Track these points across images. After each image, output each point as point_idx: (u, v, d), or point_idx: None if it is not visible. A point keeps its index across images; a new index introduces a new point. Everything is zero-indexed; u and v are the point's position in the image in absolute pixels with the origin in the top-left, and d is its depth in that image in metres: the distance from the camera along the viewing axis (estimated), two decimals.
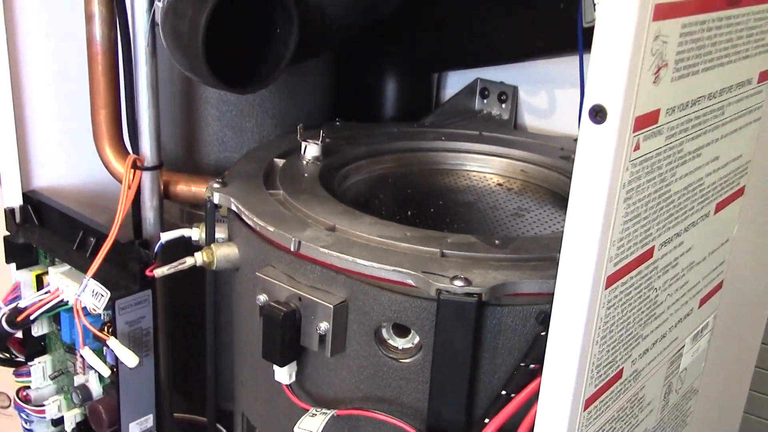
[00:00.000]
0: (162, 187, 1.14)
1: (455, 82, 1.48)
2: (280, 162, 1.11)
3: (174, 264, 0.96)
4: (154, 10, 1.02)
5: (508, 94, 1.42)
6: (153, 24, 1.03)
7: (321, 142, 1.12)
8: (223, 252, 0.96)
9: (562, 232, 0.93)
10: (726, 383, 1.10)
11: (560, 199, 1.15)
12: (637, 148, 0.62)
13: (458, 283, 0.77)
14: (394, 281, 0.81)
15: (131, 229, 1.16)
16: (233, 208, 0.96)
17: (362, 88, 1.41)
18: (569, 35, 1.14)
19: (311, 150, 1.11)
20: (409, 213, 1.06)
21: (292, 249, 0.86)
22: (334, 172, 1.13)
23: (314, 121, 1.29)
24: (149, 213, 1.14)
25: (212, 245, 0.97)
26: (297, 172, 1.07)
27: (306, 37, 1.02)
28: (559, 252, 0.85)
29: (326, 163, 1.12)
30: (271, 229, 0.88)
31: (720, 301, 0.93)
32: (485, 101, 1.45)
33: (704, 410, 1.01)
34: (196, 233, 1.04)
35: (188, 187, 1.17)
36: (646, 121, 0.62)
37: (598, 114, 0.58)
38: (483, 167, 1.24)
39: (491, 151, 1.25)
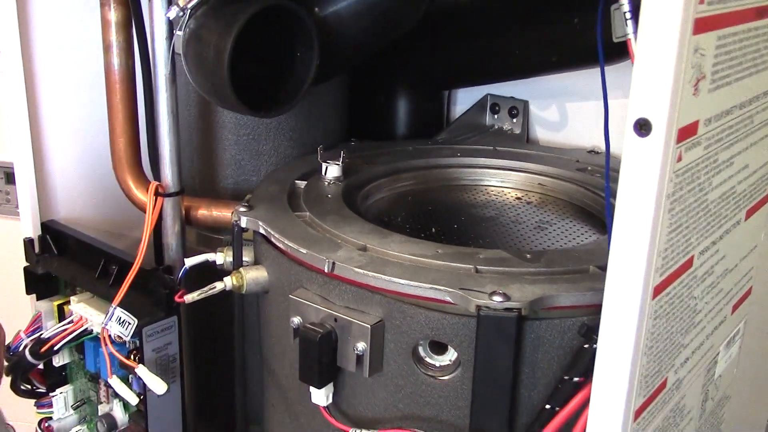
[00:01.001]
0: (183, 212, 1.14)
1: (465, 98, 1.49)
2: (301, 184, 1.11)
3: (205, 289, 0.96)
4: (174, 39, 1.02)
5: (519, 109, 1.43)
6: (173, 53, 1.03)
7: (342, 162, 1.12)
8: (253, 275, 0.96)
9: (591, 244, 0.95)
10: (754, 388, 1.11)
11: (580, 211, 1.15)
12: (679, 159, 0.62)
13: (497, 298, 0.77)
14: (431, 299, 0.81)
15: (152, 255, 1.16)
16: (261, 231, 0.96)
17: (375, 107, 1.42)
18: (583, 50, 1.16)
19: (332, 171, 1.12)
20: (433, 230, 1.07)
21: (326, 270, 0.86)
22: (356, 191, 1.13)
23: (330, 141, 1.30)
24: (172, 239, 1.14)
25: (241, 269, 0.97)
26: (320, 193, 1.08)
27: (325, 59, 1.03)
28: (593, 264, 0.86)
29: (347, 184, 1.12)
30: (304, 251, 0.88)
31: (750, 307, 0.94)
32: (496, 116, 1.46)
33: (735, 416, 1.02)
34: (220, 257, 1.04)
35: (209, 212, 1.17)
36: (687, 133, 0.62)
37: (644, 127, 0.59)
38: (501, 182, 1.25)
39: (507, 165, 1.26)
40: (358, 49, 1.11)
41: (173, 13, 0.99)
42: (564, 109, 1.40)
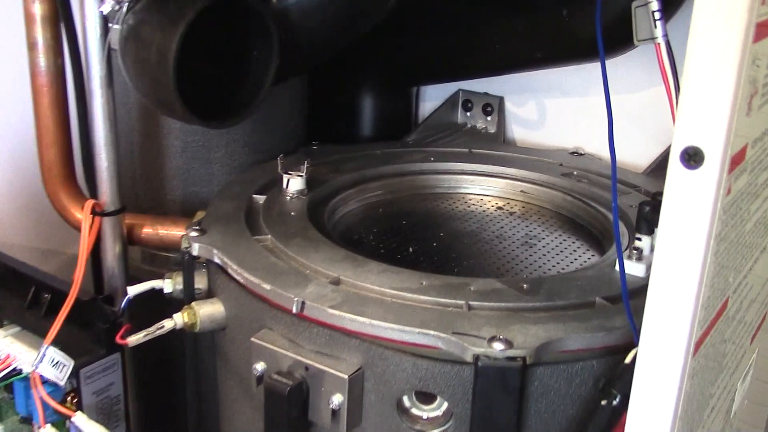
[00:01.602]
0: (125, 232, 1.00)
1: (435, 94, 1.37)
2: (260, 199, 0.98)
3: (150, 330, 0.82)
4: (109, 35, 0.88)
5: (493, 106, 1.32)
6: (109, 49, 0.89)
7: (305, 173, 1.00)
8: (207, 311, 0.83)
9: (591, 268, 0.84)
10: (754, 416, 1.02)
11: (569, 223, 1.05)
12: (728, 191, 0.52)
13: (498, 345, 0.66)
14: (419, 344, 0.70)
15: (91, 281, 1.02)
16: (217, 260, 0.83)
17: (338, 106, 1.29)
18: (572, 44, 1.05)
19: (294, 184, 0.99)
20: (411, 249, 0.95)
21: (294, 310, 0.73)
22: (322, 206, 1.01)
23: (289, 146, 1.17)
24: (112, 263, 1.00)
25: (193, 304, 0.84)
26: (282, 211, 0.95)
27: (286, 58, 0.90)
28: (599, 294, 0.76)
29: (312, 197, 1.00)
30: (267, 287, 0.76)
31: (764, 335, 0.85)
32: (469, 114, 1.35)
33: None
34: (168, 285, 0.90)
35: (154, 231, 1.03)
36: (737, 160, 0.52)
37: (693, 158, 0.48)
38: (479, 189, 1.14)
39: (485, 170, 1.15)
40: (323, 45, 0.99)
41: (107, 6, 0.85)
42: (543, 105, 1.29)
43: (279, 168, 1.00)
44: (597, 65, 1.18)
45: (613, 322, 0.71)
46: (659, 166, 1.13)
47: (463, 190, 1.14)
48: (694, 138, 0.47)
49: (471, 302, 0.74)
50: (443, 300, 0.74)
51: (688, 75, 0.47)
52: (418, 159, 1.16)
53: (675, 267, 0.51)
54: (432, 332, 0.68)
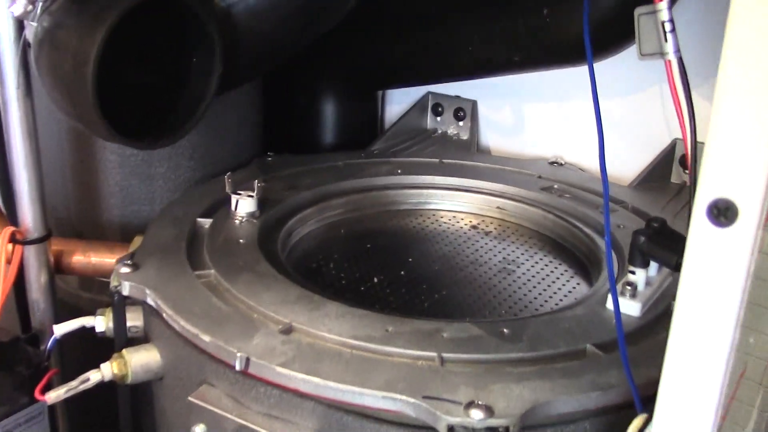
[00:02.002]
0: (52, 260, 0.89)
1: (402, 98, 1.27)
2: (205, 223, 0.87)
3: (72, 385, 0.71)
4: (24, 35, 0.76)
5: (465, 111, 1.22)
6: (25, 50, 0.77)
7: (256, 194, 0.89)
8: (140, 360, 0.72)
9: (578, 305, 0.75)
10: None
11: (550, 244, 0.95)
12: (760, 247, 0.42)
13: (477, 414, 0.56)
14: (384, 409, 0.59)
15: (15, 317, 0.90)
16: (150, 302, 0.72)
17: (295, 112, 1.18)
18: (554, 47, 0.95)
19: (244, 205, 0.88)
20: (375, 280, 0.85)
21: (237, 367, 0.63)
22: (275, 229, 0.90)
23: (241, 157, 1.06)
24: (38, 296, 0.89)
25: (125, 352, 0.73)
26: (230, 238, 0.84)
27: (232, 65, 0.79)
28: (590, 340, 0.66)
29: (264, 220, 0.89)
30: (207, 338, 0.65)
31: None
32: (439, 119, 1.24)
33: None
34: (101, 323, 0.79)
35: (86, 258, 0.92)
36: None
37: (724, 213, 0.38)
38: (451, 205, 1.04)
39: (458, 184, 1.05)
40: (275, 49, 0.87)
41: (19, 7, 0.73)
42: (519, 110, 1.19)
43: (227, 187, 0.89)
44: (578, 68, 1.10)
45: (608, 377, 0.62)
46: (647, 178, 1.04)
47: (433, 206, 1.04)
48: (726, 190, 0.38)
49: (444, 354, 0.64)
50: (412, 352, 0.64)
51: (719, 112, 0.37)
52: (384, 172, 1.06)
53: (700, 335, 0.41)
54: (399, 396, 0.58)
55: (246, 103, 1.06)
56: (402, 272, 0.87)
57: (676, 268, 0.67)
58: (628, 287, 0.71)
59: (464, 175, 1.06)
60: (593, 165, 1.14)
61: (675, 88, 0.45)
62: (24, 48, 0.77)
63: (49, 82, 0.71)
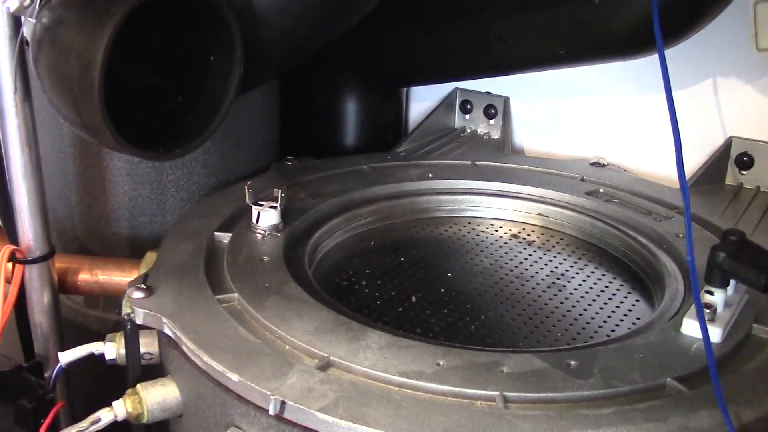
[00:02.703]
0: (56, 280, 0.81)
1: (427, 94, 1.18)
2: (224, 238, 0.79)
3: (83, 426, 0.63)
4: (22, 34, 0.68)
5: (497, 108, 1.14)
6: (22, 50, 0.69)
7: (280, 204, 0.81)
8: (157, 397, 0.65)
9: (649, 329, 0.66)
10: None
11: (600, 254, 0.87)
12: None
13: None
14: None
15: (17, 343, 0.83)
16: (168, 332, 0.64)
17: (315, 112, 1.09)
18: (605, 39, 0.86)
19: (267, 218, 0.80)
20: (413, 299, 0.77)
21: (271, 412, 0.55)
22: (301, 243, 0.82)
23: (259, 163, 0.98)
24: (41, 320, 0.81)
25: (139, 387, 0.65)
26: (252, 254, 0.76)
27: (252, 63, 0.71)
28: (670, 373, 0.58)
29: (288, 233, 0.81)
30: (235, 378, 0.57)
31: None
32: (468, 117, 1.16)
33: None
34: (111, 350, 0.72)
35: (93, 276, 0.84)
36: None
37: None
38: (488, 212, 0.96)
39: (494, 188, 0.97)
40: (298, 45, 0.79)
41: (15, 2, 0.64)
42: (555, 107, 1.11)
43: (247, 198, 0.81)
44: (617, 62, 1.01)
45: (698, 419, 0.54)
46: (700, 180, 0.95)
47: (469, 213, 0.96)
48: None
49: (507, 393, 0.56)
50: (470, 391, 0.56)
51: None
52: (414, 176, 0.98)
53: None
54: None
55: (262, 104, 0.98)
56: (442, 289, 0.79)
57: (765, 289, 0.59)
58: (707, 309, 0.63)
59: (500, 178, 0.98)
60: (636, 165, 1.06)
61: None
62: (21, 47, 0.69)
63: (50, 85, 0.63)
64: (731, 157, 0.97)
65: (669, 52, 0.87)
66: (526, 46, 0.89)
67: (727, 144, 0.97)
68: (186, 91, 0.71)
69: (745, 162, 0.96)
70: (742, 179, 0.97)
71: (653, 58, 0.88)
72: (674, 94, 1.00)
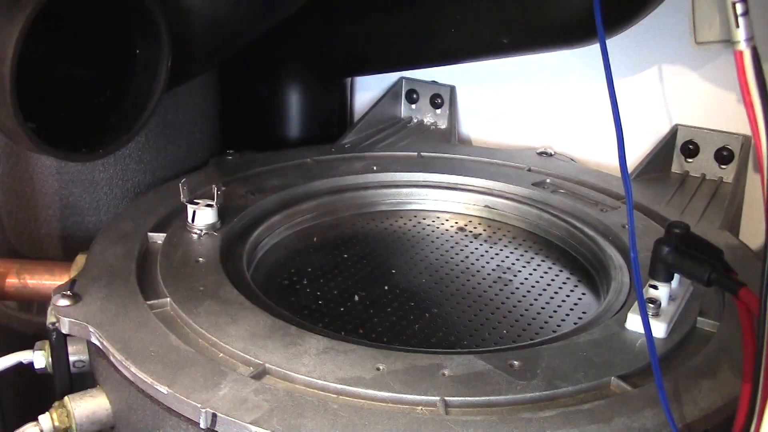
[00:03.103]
0: None
1: (372, 84, 1.16)
2: (158, 238, 0.76)
3: None
4: None
5: (443, 97, 1.12)
6: None
7: (216, 202, 0.78)
8: (86, 409, 0.62)
9: (593, 326, 0.64)
10: None
11: (547, 247, 0.86)
12: None
13: None
14: None
15: None
16: (95, 341, 0.61)
17: (256, 104, 1.06)
18: (549, 28, 0.84)
19: (203, 216, 0.77)
20: (356, 298, 0.75)
21: (202, 425, 0.52)
22: (240, 243, 0.79)
23: (197, 158, 0.95)
24: None
25: (67, 400, 0.61)
26: (187, 256, 0.73)
27: (183, 55, 0.67)
28: (613, 372, 0.57)
29: (226, 232, 0.78)
30: (164, 390, 0.54)
31: None
32: (414, 107, 1.14)
33: None
34: (40, 359, 0.68)
35: (21, 281, 0.80)
36: None
37: None
38: (434, 204, 0.94)
39: (440, 181, 0.95)
40: (232, 36, 0.76)
41: None
42: (502, 96, 1.09)
43: (182, 196, 0.77)
44: (564, 50, 1.00)
45: (642, 418, 0.53)
46: (647, 169, 0.95)
47: (414, 206, 0.94)
48: None
49: (448, 398, 0.54)
50: (410, 397, 0.54)
51: None
52: (359, 169, 0.95)
53: None
54: None
55: (200, 96, 0.95)
56: (386, 287, 0.77)
57: (709, 283, 0.58)
58: (651, 304, 0.62)
59: (447, 170, 0.96)
60: (584, 154, 1.05)
61: (747, 86, 0.35)
62: None
63: None
64: (677, 145, 0.96)
65: (615, 40, 0.86)
66: (471, 35, 0.87)
67: (673, 132, 0.96)
68: (113, 87, 0.67)
69: (691, 150, 0.96)
70: (687, 167, 0.96)
71: (597, 48, 0.88)
72: (621, 81, 1.00)
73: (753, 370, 0.52)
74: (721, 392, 0.56)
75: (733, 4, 0.36)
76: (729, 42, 0.36)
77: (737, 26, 0.36)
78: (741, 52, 0.36)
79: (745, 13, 0.36)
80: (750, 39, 0.35)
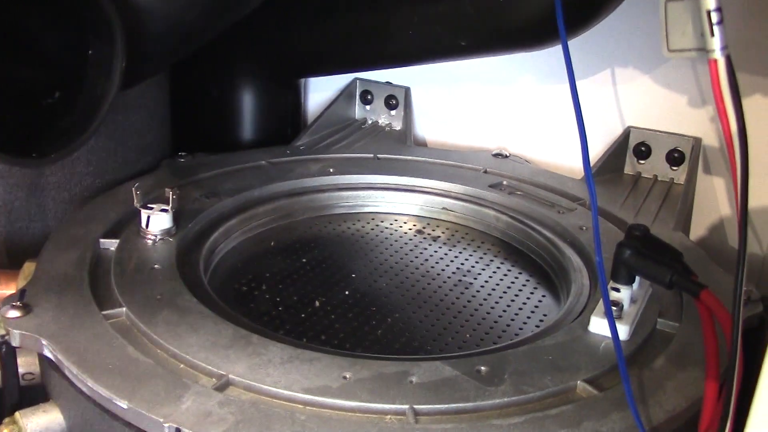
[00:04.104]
0: None
1: (326, 85, 1.14)
2: (111, 245, 0.73)
3: None
4: None
5: (398, 98, 1.11)
6: None
7: (171, 207, 0.75)
8: (38, 425, 0.59)
9: (556, 330, 0.64)
10: None
11: (506, 249, 0.86)
12: None
13: None
14: None
15: None
16: (48, 354, 0.58)
17: (209, 105, 1.04)
18: (506, 30, 0.84)
19: (157, 222, 0.75)
20: (317, 303, 0.73)
21: None
22: (196, 248, 0.77)
23: (148, 160, 0.92)
24: None
25: (18, 416, 0.59)
26: (142, 263, 0.70)
27: (136, 56, 0.65)
28: (579, 376, 0.57)
29: (182, 237, 0.76)
30: (124, 405, 0.52)
31: None
32: (368, 108, 1.13)
33: None
34: None
35: None
36: None
37: None
38: (392, 207, 0.93)
39: (397, 183, 0.94)
40: (187, 35, 0.74)
41: None
42: (457, 97, 1.09)
43: (135, 201, 0.75)
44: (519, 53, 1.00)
45: (609, 422, 0.53)
46: (602, 169, 0.96)
47: (371, 209, 0.93)
48: None
49: (417, 406, 0.53)
50: (378, 405, 0.53)
51: None
52: (315, 171, 0.94)
53: None
54: None
55: (151, 97, 0.92)
56: (346, 291, 0.76)
57: (671, 286, 0.59)
58: (614, 308, 0.63)
59: (403, 172, 0.95)
60: (538, 155, 1.05)
61: (721, 95, 0.35)
62: None
63: None
64: (630, 146, 0.98)
65: (569, 43, 0.87)
66: (428, 37, 0.87)
67: (626, 134, 0.97)
68: (64, 88, 0.65)
69: (643, 152, 0.97)
70: (640, 168, 0.98)
71: (554, 48, 0.88)
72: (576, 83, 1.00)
73: (717, 371, 0.53)
74: (686, 393, 0.56)
75: (708, 13, 0.36)
76: (703, 50, 0.37)
77: (712, 35, 0.36)
78: (716, 61, 0.36)
79: (720, 22, 0.36)
80: (725, 48, 0.35)
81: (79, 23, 0.62)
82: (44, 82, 0.63)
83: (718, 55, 0.36)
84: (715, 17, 0.36)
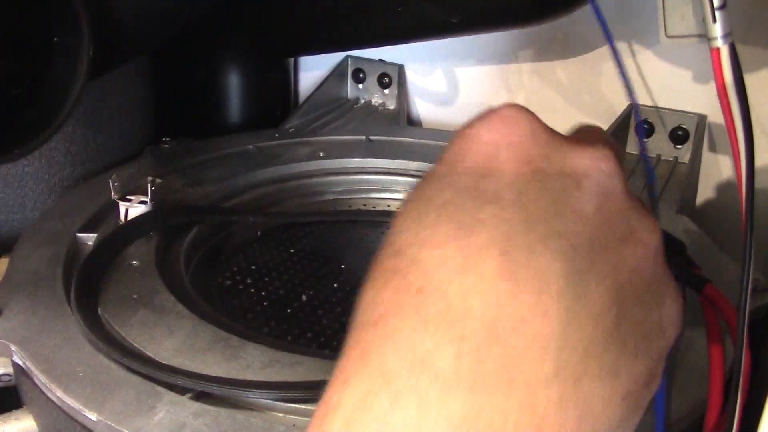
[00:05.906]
0: None
1: (316, 63, 1.11)
2: (88, 239, 0.70)
3: None
4: None
5: (391, 77, 1.07)
6: None
7: (150, 198, 0.72)
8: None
9: None
10: None
11: None
12: None
13: None
14: None
15: None
16: (18, 361, 0.56)
17: (194, 88, 1.00)
18: (502, 6, 0.80)
19: (136, 214, 0.72)
20: (304, 297, 0.71)
21: None
22: (177, 240, 0.74)
23: (131, 147, 0.89)
24: None
25: None
26: (119, 259, 0.67)
27: (107, 42, 0.62)
28: None
29: (162, 231, 0.72)
30: (93, 417, 0.49)
31: None
32: (361, 87, 1.09)
33: None
34: None
35: None
36: None
37: None
38: (385, 193, 0.90)
39: (391, 167, 0.91)
40: (163, 17, 0.70)
41: None
42: (453, 75, 1.05)
43: (113, 193, 0.72)
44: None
45: None
46: None
47: (364, 195, 0.90)
48: None
49: None
50: None
51: None
52: (304, 156, 0.91)
53: None
54: None
55: (133, 81, 0.89)
56: (335, 284, 0.73)
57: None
58: None
59: (397, 155, 0.92)
60: None
61: (724, 87, 0.32)
62: None
63: None
64: (632, 124, 0.94)
65: (568, 19, 0.83)
66: (419, 14, 0.83)
67: (629, 111, 0.93)
68: (28, 78, 0.61)
69: (646, 129, 0.93)
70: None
71: (549, 25, 0.85)
72: (575, 61, 0.97)
73: (722, 370, 0.50)
74: (691, 395, 0.53)
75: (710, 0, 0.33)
76: (704, 37, 0.33)
77: (714, 21, 0.33)
78: (718, 50, 0.32)
79: (723, 6, 0.33)
80: (728, 35, 0.31)
81: (43, 8, 0.59)
82: (6, 73, 0.59)
83: (720, 44, 0.33)
84: (717, 2, 0.33)
